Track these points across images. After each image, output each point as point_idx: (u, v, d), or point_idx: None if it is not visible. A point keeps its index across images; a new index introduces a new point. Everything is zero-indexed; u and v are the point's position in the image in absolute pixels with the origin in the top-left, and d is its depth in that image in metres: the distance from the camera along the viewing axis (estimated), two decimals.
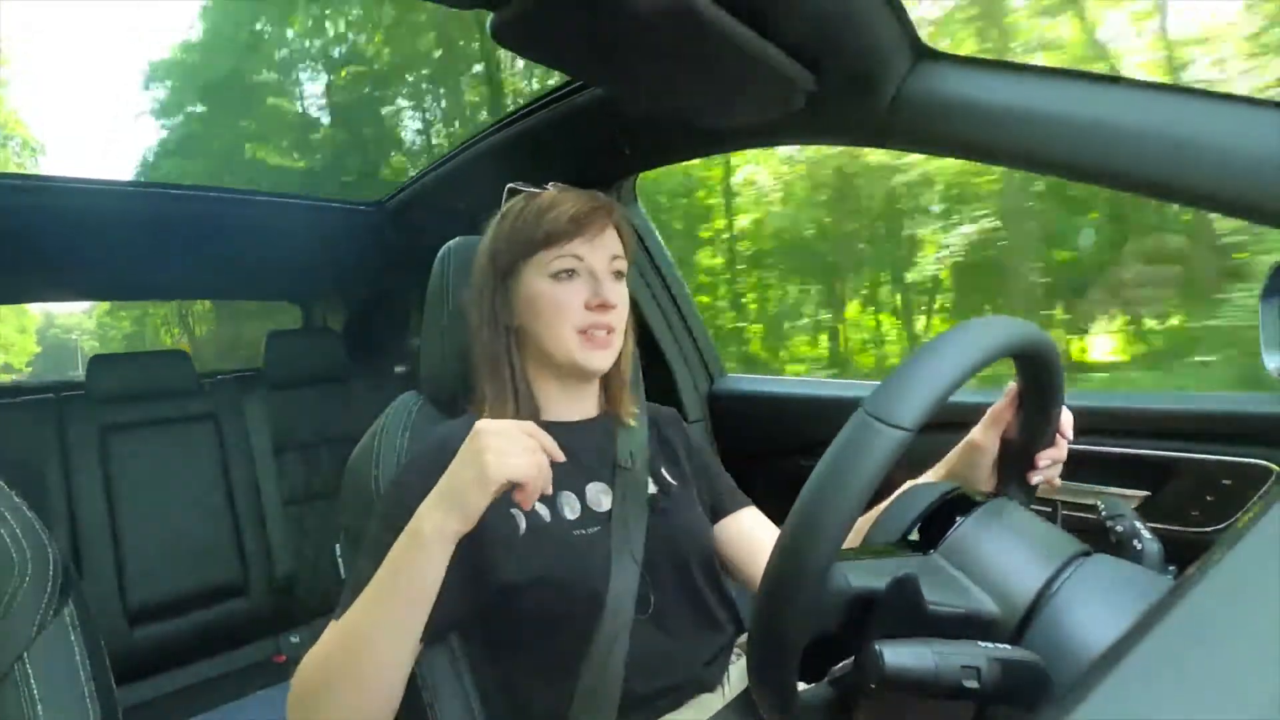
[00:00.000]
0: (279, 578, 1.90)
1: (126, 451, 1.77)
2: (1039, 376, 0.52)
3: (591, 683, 0.63)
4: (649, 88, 0.75)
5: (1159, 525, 0.57)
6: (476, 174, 1.33)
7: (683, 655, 0.69)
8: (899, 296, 4.96)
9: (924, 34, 0.71)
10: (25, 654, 0.59)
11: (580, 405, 0.78)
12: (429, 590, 0.57)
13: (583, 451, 0.74)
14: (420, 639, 0.59)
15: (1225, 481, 0.72)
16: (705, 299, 5.44)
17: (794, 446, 1.17)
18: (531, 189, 0.77)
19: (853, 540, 0.48)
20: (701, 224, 5.79)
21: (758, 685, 0.41)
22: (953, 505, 0.48)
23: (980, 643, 0.37)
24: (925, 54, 0.72)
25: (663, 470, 0.78)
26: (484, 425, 0.58)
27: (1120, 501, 0.52)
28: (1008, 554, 0.43)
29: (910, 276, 4.75)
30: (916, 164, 4.24)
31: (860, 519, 0.39)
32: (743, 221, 5.67)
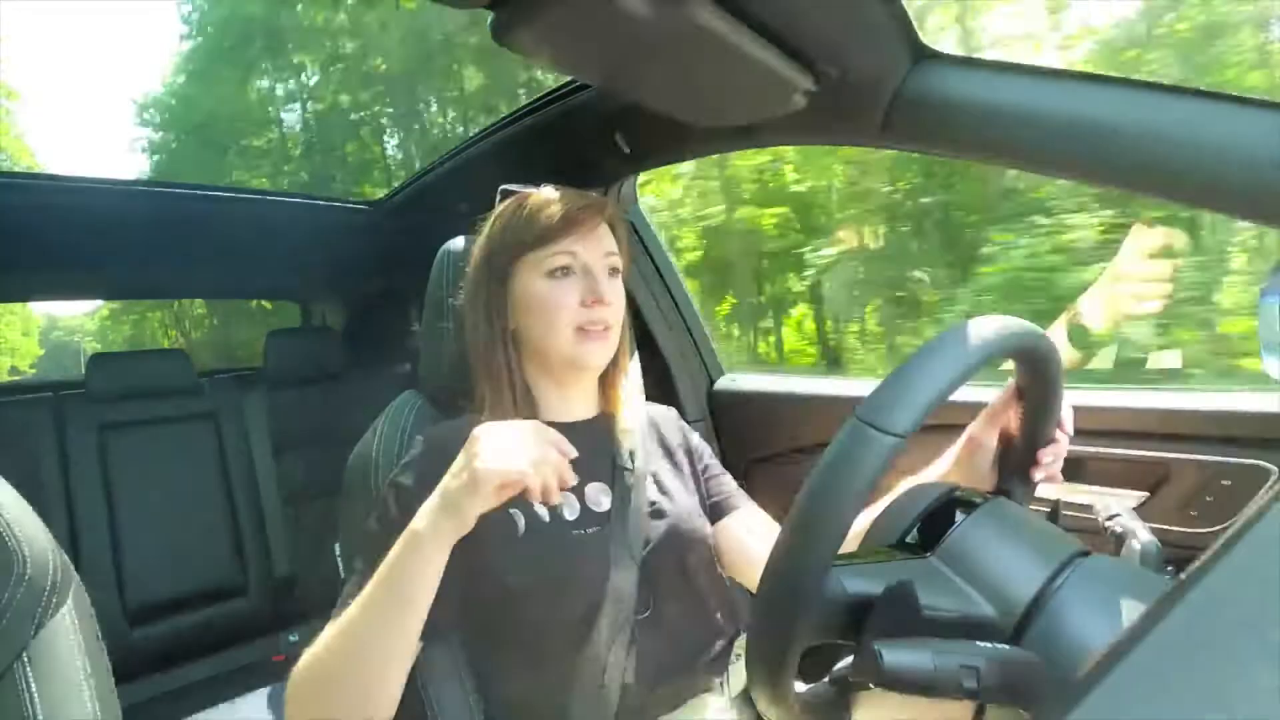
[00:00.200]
0: (278, 577, 1.90)
1: (125, 451, 1.77)
2: (1037, 376, 0.52)
3: (591, 683, 0.64)
4: (649, 88, 0.75)
5: (1158, 525, 0.57)
6: (476, 173, 1.33)
7: (682, 655, 0.69)
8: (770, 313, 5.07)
9: None
10: (24, 653, 0.59)
11: (579, 405, 0.78)
12: (426, 592, 0.57)
13: (582, 452, 0.74)
14: (419, 638, 0.59)
15: (1225, 482, 0.72)
16: None
17: (794, 446, 1.17)
18: (525, 189, 0.77)
19: (853, 539, 0.48)
20: None
21: (756, 689, 0.41)
22: (952, 505, 0.48)
23: (979, 643, 0.37)
24: (925, 54, 0.72)
25: (662, 470, 0.78)
26: (479, 429, 0.58)
27: (1120, 502, 0.52)
28: (1006, 554, 0.43)
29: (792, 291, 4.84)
30: (806, 179, 4.40)
31: (860, 517, 0.39)
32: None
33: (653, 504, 0.73)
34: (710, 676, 0.71)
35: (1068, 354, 0.99)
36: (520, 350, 0.76)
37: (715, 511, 0.80)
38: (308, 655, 0.60)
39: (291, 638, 1.94)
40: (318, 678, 0.59)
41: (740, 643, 0.76)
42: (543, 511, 0.68)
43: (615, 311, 0.73)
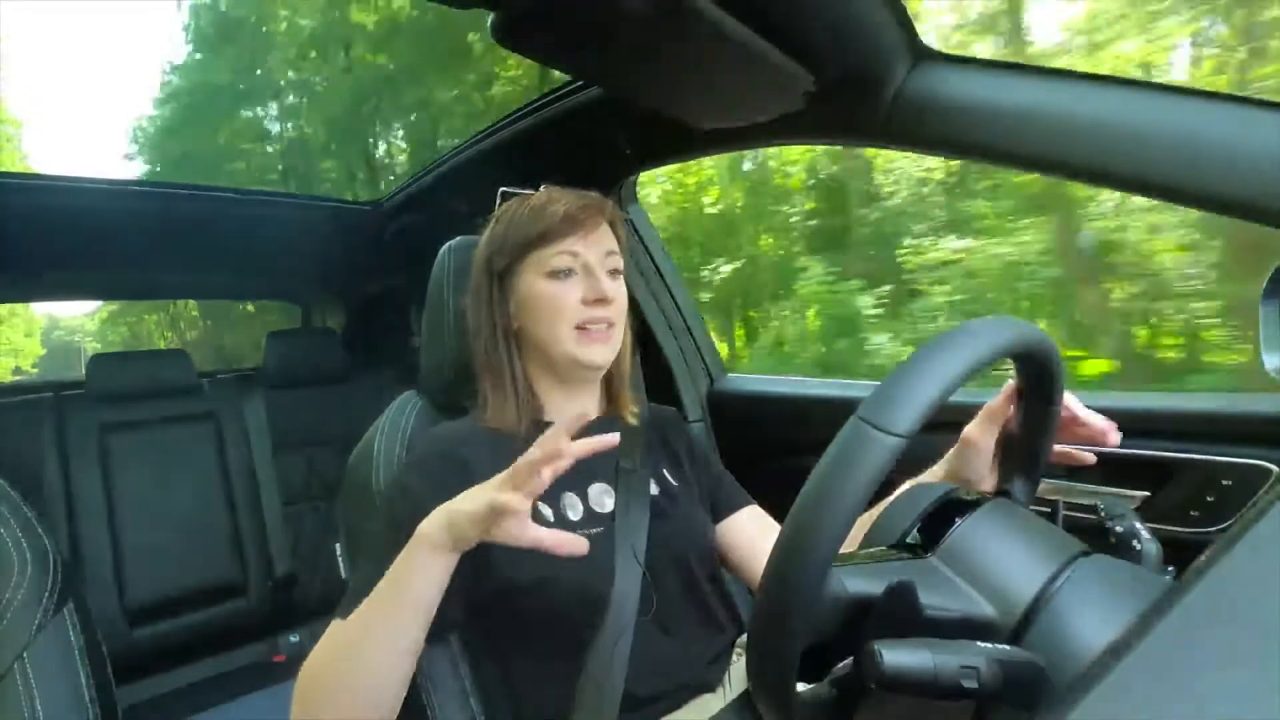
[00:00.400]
0: (278, 577, 1.90)
1: (126, 451, 1.77)
2: (1038, 376, 0.51)
3: (593, 683, 0.63)
4: (649, 88, 0.75)
5: (1159, 525, 0.57)
6: (476, 174, 1.33)
7: (684, 656, 0.69)
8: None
9: None
10: (25, 653, 0.59)
11: (581, 406, 0.78)
12: (433, 594, 0.57)
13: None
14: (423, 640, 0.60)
15: (1225, 482, 0.72)
16: None
17: (794, 446, 1.17)
18: (525, 191, 0.77)
19: (854, 539, 0.48)
20: None
21: (757, 689, 0.41)
22: (952, 505, 0.48)
23: (979, 643, 0.37)
24: (925, 54, 0.72)
25: (664, 471, 0.78)
26: (452, 505, 0.56)
27: (1120, 501, 0.52)
28: (1007, 554, 0.43)
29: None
30: (718, 197, 4.66)
31: (861, 518, 0.39)
32: None
33: (655, 505, 0.73)
34: (712, 676, 0.70)
35: None
36: (523, 350, 0.76)
37: (716, 511, 0.80)
38: (314, 655, 0.60)
39: (292, 638, 1.94)
40: (324, 677, 0.59)
41: (741, 642, 0.76)
42: (547, 512, 0.68)
43: (617, 311, 0.73)
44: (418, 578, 0.57)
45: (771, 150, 4.19)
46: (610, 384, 0.80)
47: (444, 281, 0.82)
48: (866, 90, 0.73)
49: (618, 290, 0.74)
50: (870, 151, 3.54)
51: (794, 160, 4.19)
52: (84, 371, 1.82)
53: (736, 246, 4.63)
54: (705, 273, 4.46)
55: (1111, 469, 0.81)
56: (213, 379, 2.01)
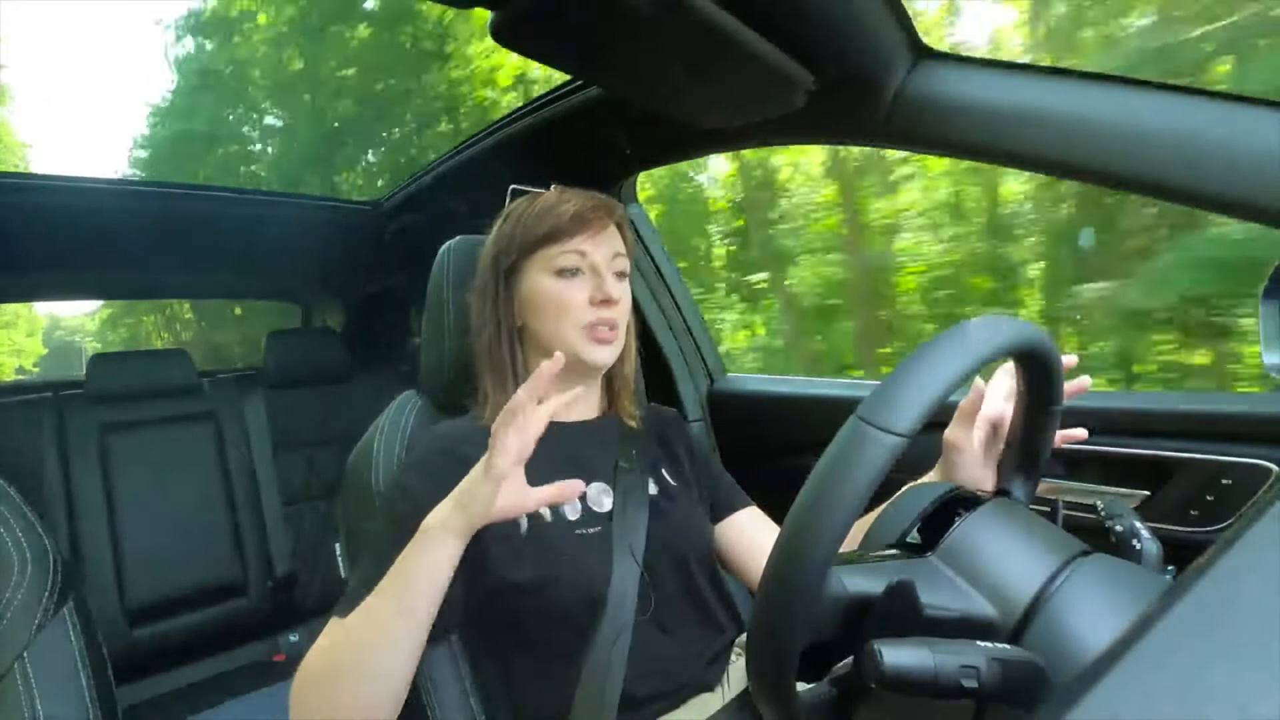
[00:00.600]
0: (278, 577, 1.90)
1: (126, 450, 1.77)
2: (1037, 375, 0.51)
3: (592, 682, 0.63)
4: (649, 88, 0.75)
5: (1159, 525, 0.57)
6: (476, 174, 1.33)
7: (683, 655, 0.69)
8: None
9: None
10: (25, 653, 0.59)
11: (582, 405, 0.78)
12: (436, 592, 0.58)
13: (584, 451, 0.74)
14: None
15: (1225, 481, 0.72)
16: None
17: (794, 446, 1.17)
18: (535, 190, 0.77)
19: (854, 540, 0.48)
20: None
21: (757, 689, 0.41)
22: (952, 505, 0.48)
23: (979, 642, 0.37)
24: (925, 54, 0.72)
25: (663, 471, 0.78)
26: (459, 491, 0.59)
27: (1120, 501, 0.52)
28: (1007, 554, 0.43)
29: None
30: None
31: (860, 519, 0.39)
32: None
33: (654, 504, 0.73)
34: (711, 675, 0.70)
35: None
36: (526, 349, 0.76)
37: (716, 512, 0.81)
38: (313, 654, 0.60)
39: (292, 637, 1.94)
40: (324, 677, 0.59)
41: (740, 642, 0.76)
42: (545, 511, 0.68)
43: (622, 311, 0.74)
44: (424, 570, 0.57)
45: (715, 169, 4.32)
46: (612, 384, 0.80)
47: (444, 281, 0.82)
48: (866, 90, 0.73)
49: (623, 291, 0.74)
50: (780, 177, 3.80)
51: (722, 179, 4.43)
52: (84, 371, 1.82)
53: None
54: None
55: (1111, 469, 0.81)
56: (213, 379, 2.01)
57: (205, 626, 1.79)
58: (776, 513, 0.80)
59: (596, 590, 0.66)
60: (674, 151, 1.12)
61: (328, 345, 2.19)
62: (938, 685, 0.35)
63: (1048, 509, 0.53)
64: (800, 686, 0.42)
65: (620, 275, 0.75)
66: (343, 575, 0.85)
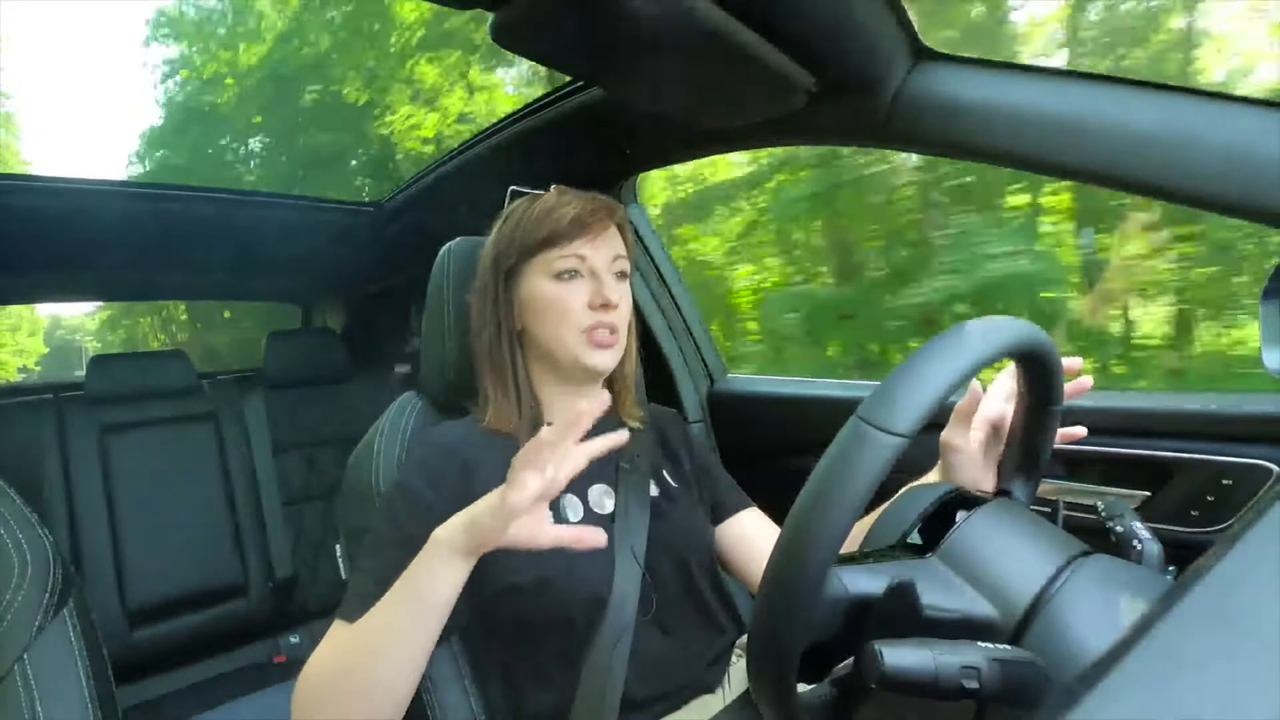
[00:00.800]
0: (279, 578, 1.89)
1: (126, 451, 1.77)
2: (1038, 375, 0.51)
3: (593, 684, 0.63)
4: (649, 88, 0.75)
5: (1159, 525, 0.57)
6: (477, 174, 1.33)
7: (684, 656, 0.69)
8: None
9: None
10: (25, 654, 0.59)
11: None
12: (447, 600, 0.57)
13: None
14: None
15: (1225, 481, 0.72)
16: None
17: (794, 446, 1.17)
18: (534, 191, 0.77)
19: (854, 540, 0.48)
20: None
21: (758, 689, 0.41)
22: (953, 505, 0.48)
23: (980, 643, 0.37)
24: (925, 54, 0.72)
25: (664, 472, 0.78)
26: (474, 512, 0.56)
27: (1120, 502, 0.52)
28: (1007, 554, 0.43)
29: None
30: None
31: (861, 519, 0.39)
32: None
33: (655, 506, 0.73)
34: (711, 676, 0.70)
35: None
36: (526, 351, 0.76)
37: (717, 513, 0.80)
38: (317, 658, 0.60)
39: (292, 639, 1.94)
40: (329, 681, 0.59)
41: (741, 643, 0.76)
42: (547, 513, 0.68)
43: (622, 314, 0.73)
44: (434, 583, 0.57)
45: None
46: (613, 385, 0.80)
47: (444, 282, 0.82)
48: (866, 90, 0.73)
49: (623, 294, 0.74)
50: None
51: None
52: (84, 371, 1.82)
53: None
54: None
55: (1111, 469, 0.81)
56: (213, 379, 2.01)
57: (205, 628, 1.79)
58: (777, 513, 0.80)
59: (598, 592, 0.66)
60: (674, 152, 1.12)
61: (328, 345, 2.19)
62: (938, 686, 0.35)
63: (1048, 509, 0.53)
64: (801, 687, 0.42)
65: (620, 276, 0.75)
66: (343, 576, 0.85)
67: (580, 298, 0.71)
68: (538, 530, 0.54)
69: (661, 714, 0.67)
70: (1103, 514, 0.51)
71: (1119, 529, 0.49)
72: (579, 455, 0.54)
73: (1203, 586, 0.25)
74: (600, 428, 0.77)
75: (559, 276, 0.71)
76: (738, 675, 0.72)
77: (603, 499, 0.72)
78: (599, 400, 0.52)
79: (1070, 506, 0.76)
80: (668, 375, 1.29)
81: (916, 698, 0.35)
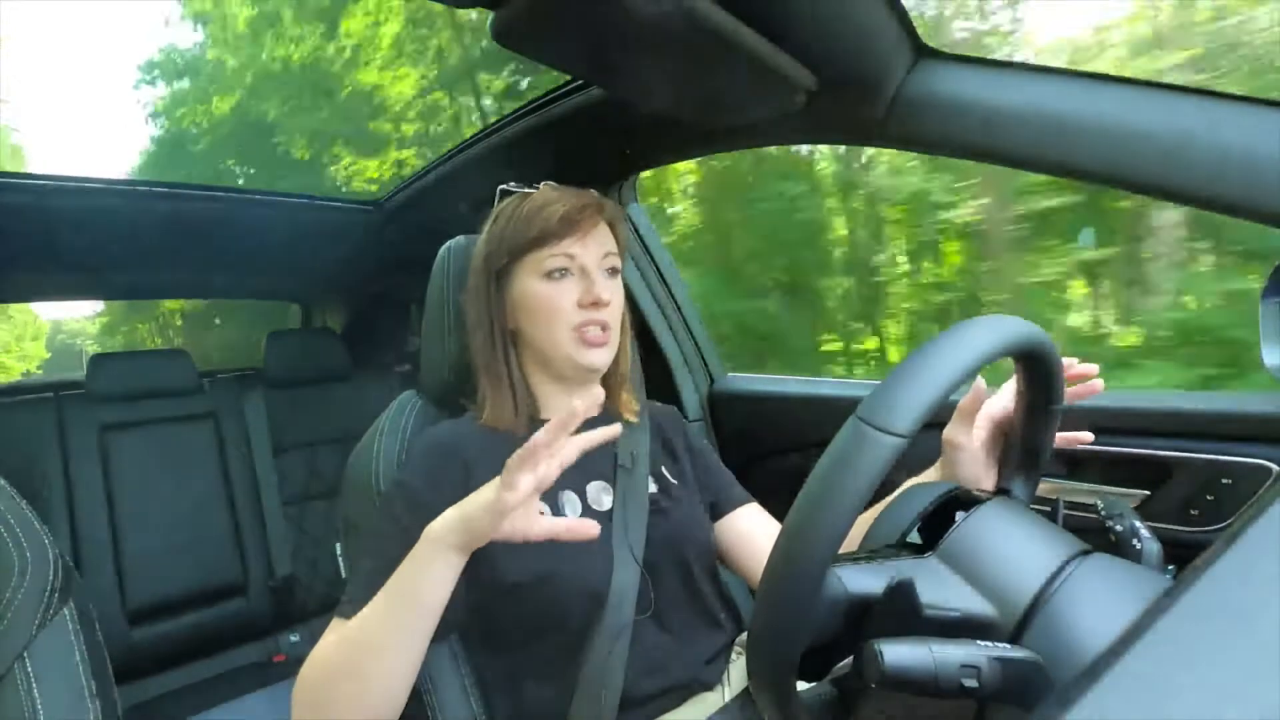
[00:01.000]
0: (278, 577, 1.89)
1: (126, 451, 1.77)
2: (1037, 374, 0.52)
3: (592, 681, 0.64)
4: (649, 88, 0.75)
5: (1159, 525, 0.57)
6: (477, 173, 1.33)
7: (683, 654, 0.69)
8: None
9: None
10: (25, 653, 0.59)
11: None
12: (441, 596, 0.58)
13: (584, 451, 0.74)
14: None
15: (1225, 481, 0.72)
16: None
17: (794, 446, 1.17)
18: (523, 189, 0.77)
19: (855, 537, 0.48)
20: None
21: (758, 689, 0.41)
22: (952, 504, 0.48)
23: (980, 642, 0.37)
24: (925, 54, 0.72)
25: (663, 469, 0.78)
26: (465, 510, 0.57)
27: (1120, 501, 0.52)
28: (1007, 553, 0.43)
29: None
30: None
31: (861, 516, 0.39)
32: None
33: (654, 502, 0.73)
34: (711, 674, 0.71)
35: None
36: (521, 351, 0.76)
37: (716, 509, 0.81)
38: (315, 656, 0.60)
39: (292, 638, 1.94)
40: (327, 680, 0.59)
41: (741, 640, 0.76)
42: (545, 510, 0.68)
43: (613, 311, 0.73)
44: (428, 579, 0.57)
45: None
46: (609, 382, 0.80)
47: (444, 281, 0.82)
48: (866, 90, 0.73)
49: (615, 291, 0.74)
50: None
51: None
52: (84, 372, 1.82)
53: None
54: None
55: (1111, 469, 0.81)
56: (213, 379, 2.01)
57: (206, 627, 1.79)
58: (777, 512, 0.80)
59: (596, 589, 0.66)
60: (674, 151, 1.12)
61: (328, 345, 2.19)
62: (938, 685, 0.35)
63: (1048, 509, 0.53)
64: (800, 686, 0.42)
65: (612, 273, 0.75)
66: (343, 575, 0.85)
67: (571, 296, 0.71)
68: (531, 524, 0.55)
69: (661, 711, 0.67)
70: (1102, 513, 0.51)
71: (1119, 528, 0.49)
72: (571, 448, 0.54)
73: (1202, 585, 0.25)
74: (596, 424, 0.77)
75: (549, 275, 0.71)
76: (737, 673, 0.72)
77: (601, 496, 0.72)
78: (592, 398, 0.53)
79: (1070, 506, 0.76)
80: (668, 374, 1.29)
81: (917, 696, 0.35)
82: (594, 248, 0.73)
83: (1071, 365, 0.59)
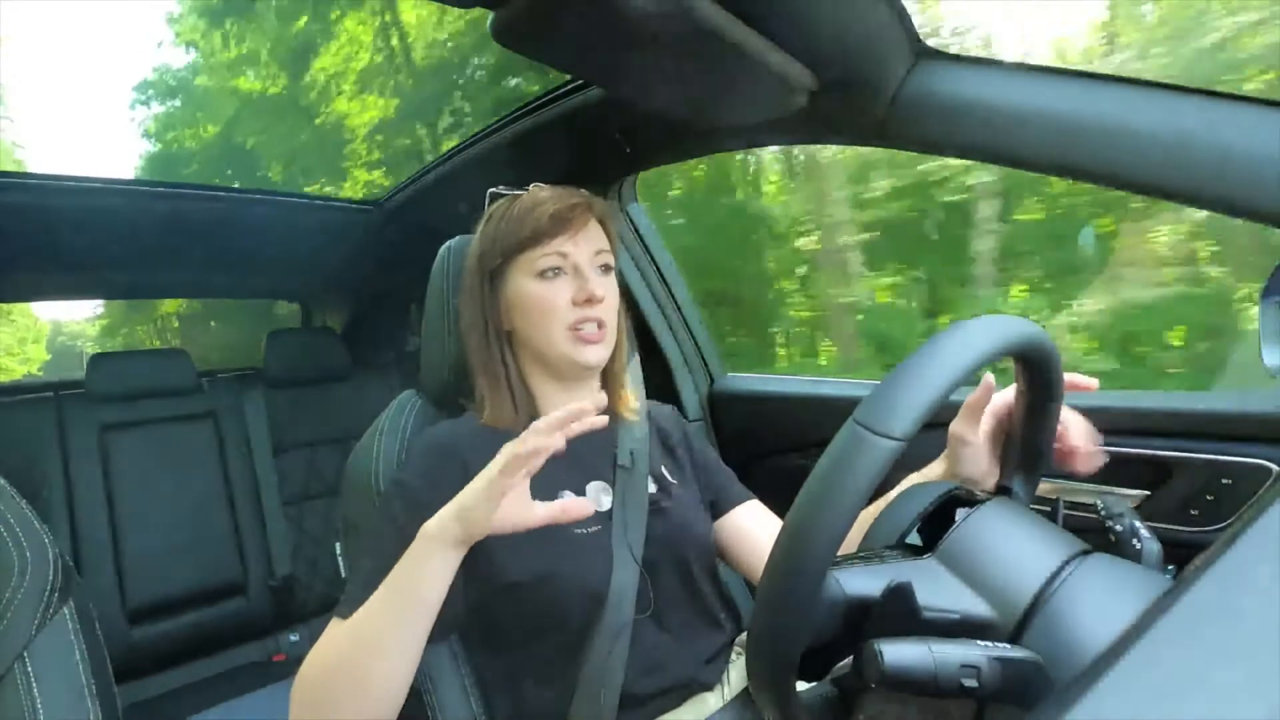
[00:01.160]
0: (278, 577, 1.90)
1: (126, 450, 1.77)
2: (1037, 373, 0.52)
3: (591, 681, 0.64)
4: (649, 88, 0.75)
5: (1159, 525, 0.57)
6: (476, 173, 1.33)
7: (682, 654, 0.69)
8: None
9: None
10: (26, 653, 0.59)
11: (579, 403, 0.78)
12: (437, 594, 0.58)
13: (583, 450, 0.74)
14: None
15: (1225, 481, 0.72)
16: None
17: (794, 446, 1.17)
18: (513, 191, 0.77)
19: (855, 536, 0.48)
20: None
21: (757, 690, 0.41)
22: (952, 505, 0.48)
23: (980, 642, 0.37)
24: (925, 54, 0.72)
25: (663, 469, 0.78)
26: (462, 499, 0.58)
27: (1120, 501, 0.52)
28: (1007, 553, 0.43)
29: None
30: None
31: (861, 514, 0.39)
32: None
33: (653, 502, 0.73)
34: (710, 674, 0.71)
35: None
36: (518, 352, 0.76)
37: (717, 507, 0.81)
38: (314, 655, 0.60)
39: (292, 637, 1.94)
40: (325, 678, 0.59)
41: (740, 641, 0.76)
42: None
43: (607, 308, 0.73)
44: (425, 575, 0.57)
45: None
46: (607, 381, 0.80)
47: (444, 281, 0.82)
48: (866, 90, 0.73)
49: (608, 288, 0.74)
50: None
51: None
52: (84, 372, 1.82)
53: None
54: None
55: (1111, 468, 0.81)
56: (213, 379, 2.01)
57: (205, 626, 1.79)
58: (777, 513, 0.80)
59: (596, 589, 0.66)
60: (674, 151, 1.12)
61: (328, 345, 2.19)
62: (938, 685, 0.35)
63: (1048, 509, 0.53)
64: (800, 686, 0.42)
65: (605, 270, 0.75)
66: (343, 575, 0.86)
67: (564, 295, 0.71)
68: (526, 513, 0.56)
69: (660, 711, 0.67)
70: (1102, 513, 0.51)
71: (1119, 528, 0.49)
72: (558, 438, 0.56)
73: (1202, 586, 0.25)
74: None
75: (542, 275, 0.72)
76: (737, 673, 0.72)
77: (600, 496, 0.72)
78: (596, 400, 0.55)
79: (1070, 506, 0.76)
80: (668, 374, 1.29)
81: (917, 697, 0.35)
82: (585, 245, 0.73)
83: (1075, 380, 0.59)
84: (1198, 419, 0.75)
